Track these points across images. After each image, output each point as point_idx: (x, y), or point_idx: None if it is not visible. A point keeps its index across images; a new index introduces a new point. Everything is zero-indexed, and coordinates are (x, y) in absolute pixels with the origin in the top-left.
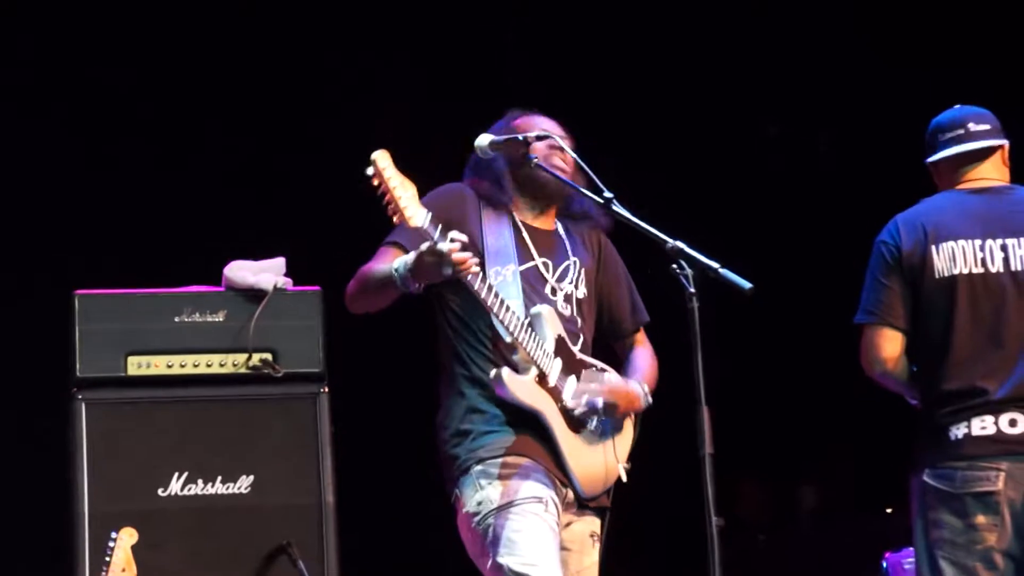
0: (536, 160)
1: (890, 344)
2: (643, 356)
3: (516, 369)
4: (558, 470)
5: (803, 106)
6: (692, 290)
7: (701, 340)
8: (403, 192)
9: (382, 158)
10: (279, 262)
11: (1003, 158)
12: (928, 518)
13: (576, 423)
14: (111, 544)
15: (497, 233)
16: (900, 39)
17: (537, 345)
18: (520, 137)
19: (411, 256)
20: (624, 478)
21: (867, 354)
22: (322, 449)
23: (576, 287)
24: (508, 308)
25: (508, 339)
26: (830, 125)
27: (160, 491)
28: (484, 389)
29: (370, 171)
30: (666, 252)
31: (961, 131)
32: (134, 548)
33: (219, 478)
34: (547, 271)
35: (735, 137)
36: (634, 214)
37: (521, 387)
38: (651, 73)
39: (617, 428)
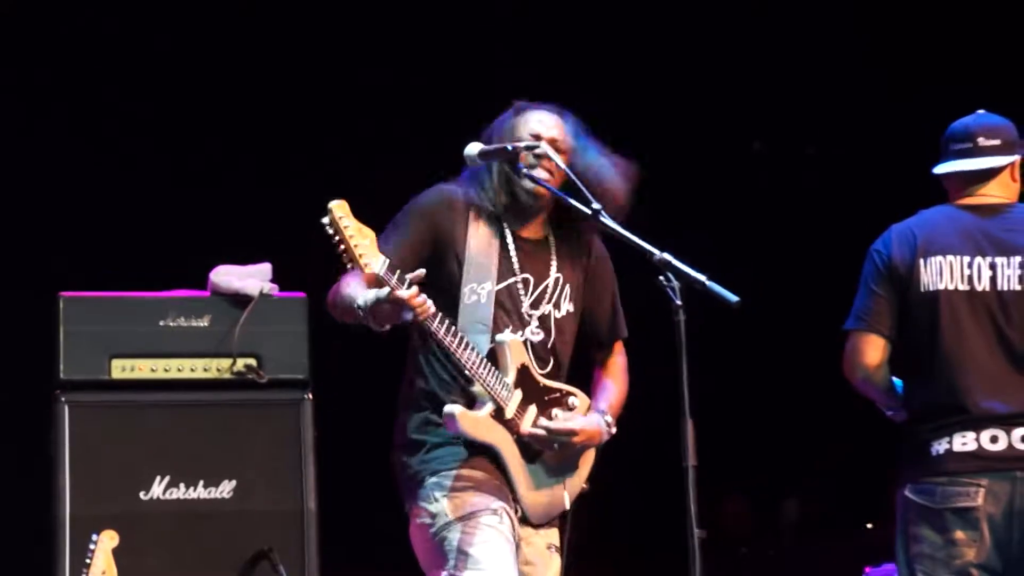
0: (525, 170)
1: (874, 351)
2: (613, 376)
3: (473, 399)
4: (508, 493)
5: (788, 122)
6: (678, 303)
7: (686, 352)
8: (360, 240)
9: (338, 208)
10: (265, 268)
11: (1012, 175)
12: (909, 533)
13: (532, 453)
14: (92, 547)
15: (482, 246)
16: (888, 55)
17: (496, 379)
18: (509, 147)
19: (371, 296)
20: (567, 507)
21: (850, 359)
22: (305, 455)
23: (556, 306)
24: (467, 346)
25: (466, 372)
26: (814, 140)
27: (142, 494)
28: (438, 403)
29: (325, 220)
30: (653, 264)
31: (969, 144)
32: (115, 551)
33: (201, 483)
34: (525, 290)
35: (722, 151)
36: (622, 225)
37: (473, 424)
38: (638, 88)
39: (576, 455)
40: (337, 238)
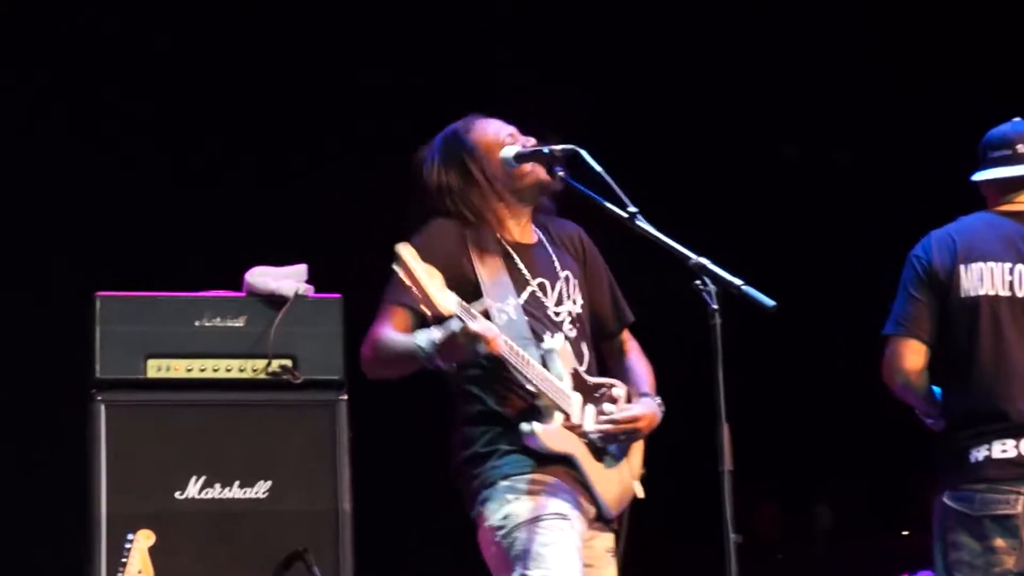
0: (562, 174)
1: (914, 356)
2: (638, 362)
3: (540, 412)
4: (585, 492)
5: (819, 126)
6: (715, 307)
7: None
8: (430, 282)
9: (405, 251)
10: (301, 268)
11: None
12: (947, 540)
13: (599, 451)
14: (127, 546)
15: (490, 266)
16: (916, 58)
17: (556, 390)
18: (545, 150)
19: (437, 336)
20: (641, 494)
21: (890, 364)
22: (340, 456)
23: (574, 302)
24: (530, 363)
25: (531, 388)
26: (847, 144)
27: (177, 494)
28: (504, 423)
29: (396, 266)
30: (689, 268)
31: (1008, 151)
32: (150, 550)
33: (236, 483)
34: (545, 295)
35: (754, 156)
36: (658, 230)
37: (552, 437)
38: (669, 91)
39: (626, 449)
40: (409, 282)
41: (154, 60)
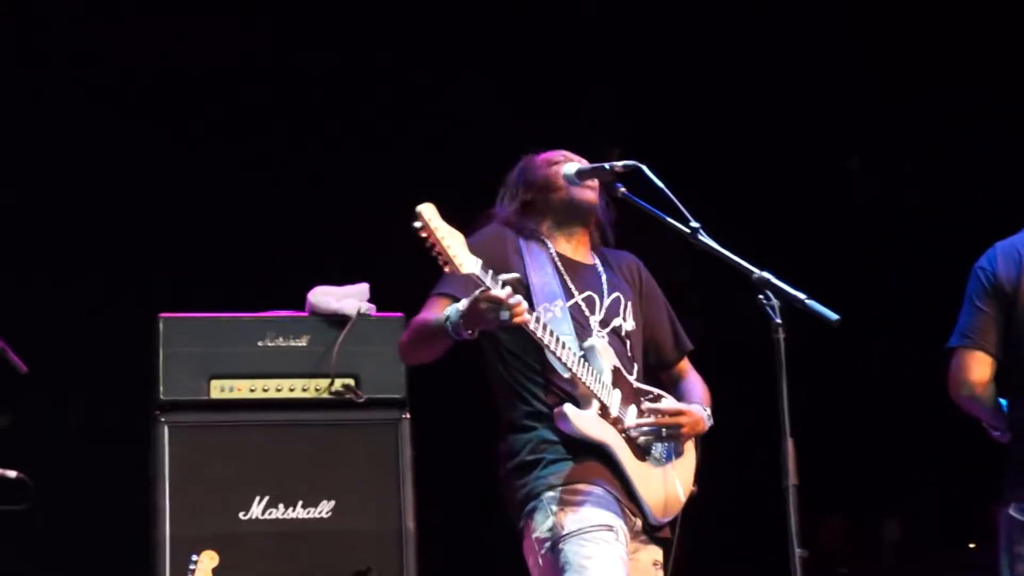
0: (623, 190)
1: (980, 368)
2: (695, 383)
3: (577, 403)
4: (628, 499)
5: (883, 138)
6: (778, 321)
7: (786, 370)
8: (451, 241)
9: (427, 209)
10: (363, 288)
11: None
12: (1013, 552)
13: (641, 451)
14: (192, 567)
15: (540, 271)
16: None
17: (595, 378)
18: (607, 166)
19: (463, 303)
20: (683, 500)
21: (956, 376)
22: (403, 475)
23: (624, 319)
24: (564, 344)
25: (566, 375)
26: (911, 156)
27: (241, 515)
28: (549, 421)
29: (417, 224)
30: (752, 283)
31: None
32: (215, 571)
33: (300, 503)
34: (590, 307)
35: (818, 169)
36: (720, 245)
37: (585, 421)
38: (733, 106)
39: (679, 452)
40: (430, 240)
41: (215, 81)
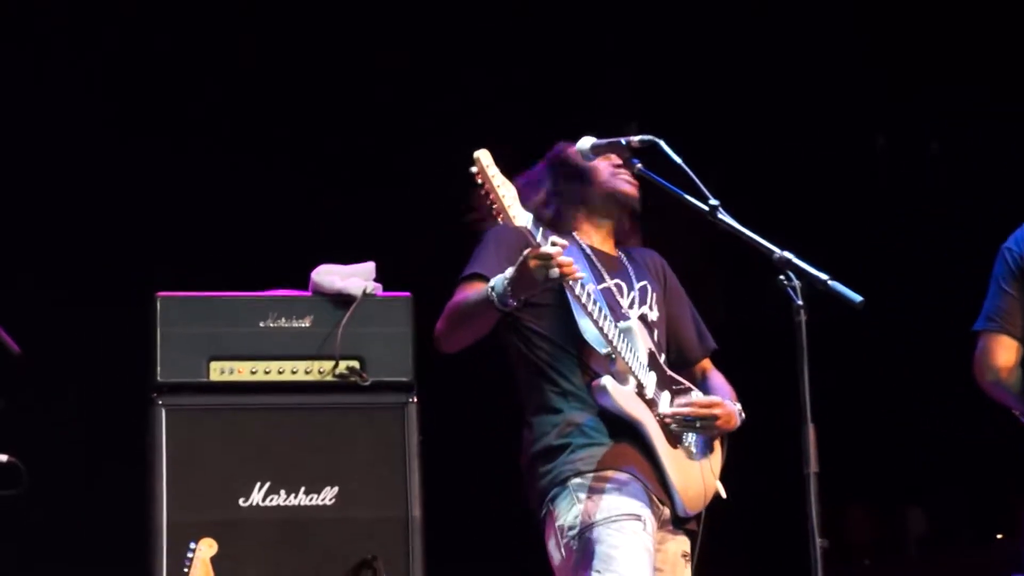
0: (639, 165)
1: (1006, 352)
2: (721, 382)
3: (615, 376)
4: (658, 486)
5: (911, 117)
6: (800, 303)
7: (809, 354)
8: (506, 191)
9: (485, 156)
10: (369, 267)
11: None
12: None
13: (674, 438)
14: (189, 555)
15: (570, 256)
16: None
17: (633, 356)
18: (623, 141)
19: (509, 271)
20: (723, 494)
21: (981, 361)
22: (409, 461)
23: (651, 309)
24: (607, 317)
25: (605, 350)
26: (939, 136)
27: (241, 501)
28: (579, 402)
29: (474, 169)
30: (773, 263)
31: None
32: (213, 559)
33: (302, 489)
34: (620, 293)
35: (843, 148)
36: (741, 224)
37: (624, 396)
38: (755, 85)
39: (709, 447)
40: (485, 188)
41: (215, 57)
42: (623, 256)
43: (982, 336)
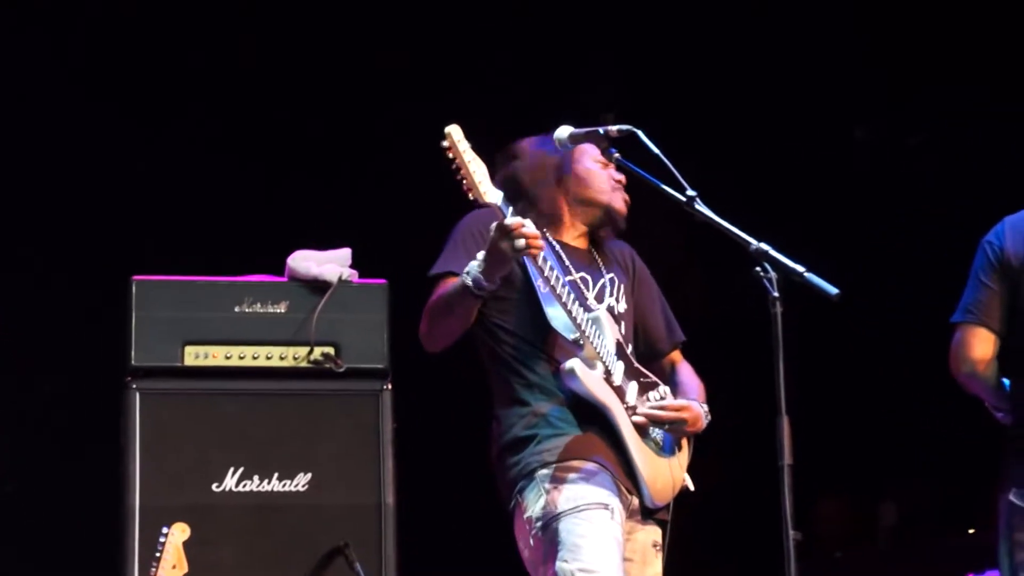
0: (617, 155)
1: (982, 345)
2: (691, 378)
3: (583, 362)
4: (625, 476)
5: (890, 108)
6: (775, 294)
7: (784, 347)
8: (477, 167)
9: (456, 131)
10: (345, 253)
11: None
12: (1013, 539)
13: (640, 429)
14: (162, 539)
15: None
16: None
17: (601, 343)
18: (601, 130)
19: (480, 253)
20: (691, 486)
21: (957, 353)
22: (383, 448)
23: (617, 300)
24: (575, 301)
25: (573, 335)
26: (918, 128)
27: (214, 486)
28: (545, 393)
29: (444, 144)
30: (750, 254)
31: None
32: (186, 544)
33: (276, 475)
34: (585, 287)
35: (821, 139)
36: (718, 215)
37: (592, 380)
38: (734, 76)
39: (676, 444)
40: (456, 163)
41: (191, 40)
42: (592, 249)
43: (960, 328)
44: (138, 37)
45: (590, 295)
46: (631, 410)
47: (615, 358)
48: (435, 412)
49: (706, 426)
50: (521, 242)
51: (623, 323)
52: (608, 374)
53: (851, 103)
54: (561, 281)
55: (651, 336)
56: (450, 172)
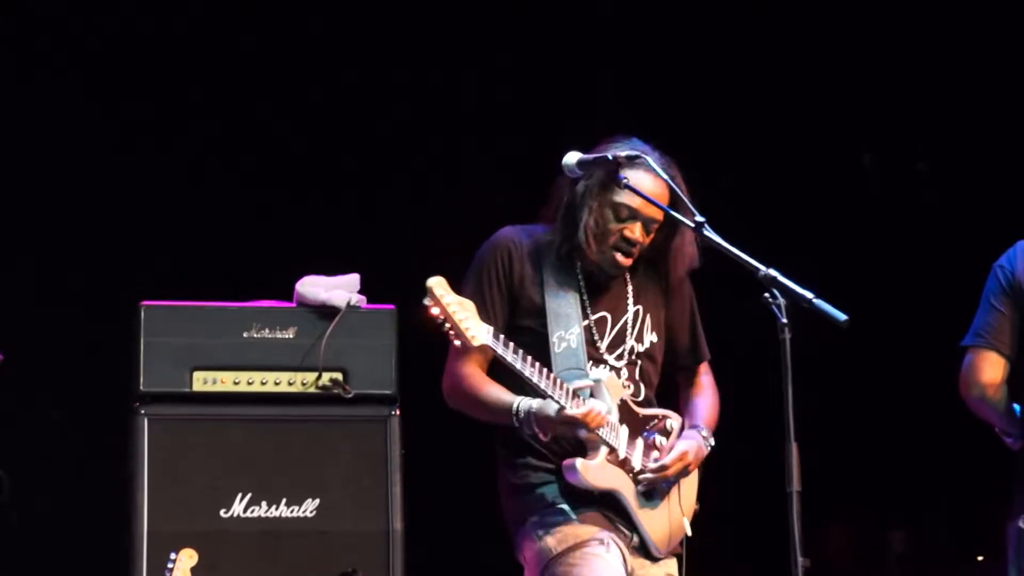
0: (626, 181)
1: (992, 369)
2: (701, 394)
3: (583, 447)
4: (624, 520)
5: (900, 135)
6: (784, 320)
7: (792, 373)
8: (463, 314)
9: (438, 286)
10: (353, 279)
11: None
12: (1022, 567)
13: (646, 491)
14: (170, 565)
15: (558, 291)
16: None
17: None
18: (609, 156)
19: (535, 407)
20: (689, 533)
21: (967, 376)
22: (391, 474)
23: (639, 340)
24: (574, 397)
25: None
26: (928, 154)
27: (222, 512)
28: (536, 452)
29: (427, 301)
30: (758, 280)
31: None
32: (194, 570)
33: (284, 501)
34: (600, 331)
35: (831, 166)
36: (727, 240)
37: (594, 473)
38: (743, 103)
39: (678, 479)
40: (441, 316)
41: (202, 65)
42: (627, 275)
43: (970, 351)
44: (151, 62)
45: (602, 344)
46: (636, 475)
47: (617, 427)
48: (443, 438)
49: (709, 451)
50: (584, 432)
51: (639, 364)
52: (612, 451)
53: (860, 129)
54: (559, 383)
55: (675, 351)
56: (433, 320)
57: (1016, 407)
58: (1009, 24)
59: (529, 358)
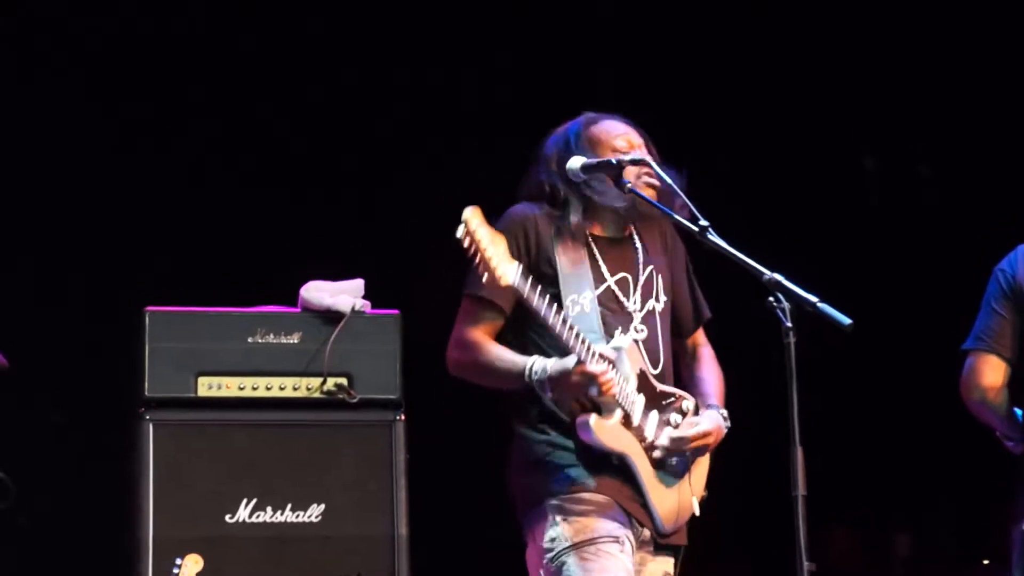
0: (630, 185)
1: (993, 372)
2: (707, 366)
3: (599, 409)
4: (639, 507)
5: (901, 138)
6: (789, 325)
7: (796, 376)
8: (494, 250)
9: (473, 217)
10: (358, 284)
11: None
12: None
13: (658, 460)
14: (175, 570)
15: (572, 257)
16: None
17: (620, 386)
18: (613, 161)
19: (552, 366)
20: (697, 512)
21: (967, 380)
22: (396, 479)
23: (657, 299)
24: (594, 355)
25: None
26: (929, 157)
27: (227, 517)
28: (561, 424)
29: (460, 231)
30: (763, 284)
31: None
32: (199, 575)
33: (289, 506)
34: (623, 291)
35: (832, 169)
36: (730, 245)
37: (607, 433)
38: (744, 106)
39: (690, 462)
40: (473, 249)
41: (206, 69)
42: (634, 235)
43: (971, 355)
44: (151, 62)
45: (629, 303)
46: (650, 447)
47: (635, 395)
48: (448, 442)
49: (726, 431)
50: (595, 390)
51: (659, 324)
52: (627, 417)
53: (861, 132)
54: (580, 337)
55: (677, 314)
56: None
57: (1017, 411)
58: (1009, 26)
59: (555, 305)
